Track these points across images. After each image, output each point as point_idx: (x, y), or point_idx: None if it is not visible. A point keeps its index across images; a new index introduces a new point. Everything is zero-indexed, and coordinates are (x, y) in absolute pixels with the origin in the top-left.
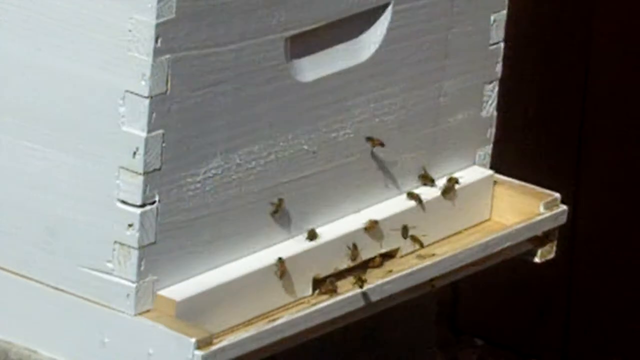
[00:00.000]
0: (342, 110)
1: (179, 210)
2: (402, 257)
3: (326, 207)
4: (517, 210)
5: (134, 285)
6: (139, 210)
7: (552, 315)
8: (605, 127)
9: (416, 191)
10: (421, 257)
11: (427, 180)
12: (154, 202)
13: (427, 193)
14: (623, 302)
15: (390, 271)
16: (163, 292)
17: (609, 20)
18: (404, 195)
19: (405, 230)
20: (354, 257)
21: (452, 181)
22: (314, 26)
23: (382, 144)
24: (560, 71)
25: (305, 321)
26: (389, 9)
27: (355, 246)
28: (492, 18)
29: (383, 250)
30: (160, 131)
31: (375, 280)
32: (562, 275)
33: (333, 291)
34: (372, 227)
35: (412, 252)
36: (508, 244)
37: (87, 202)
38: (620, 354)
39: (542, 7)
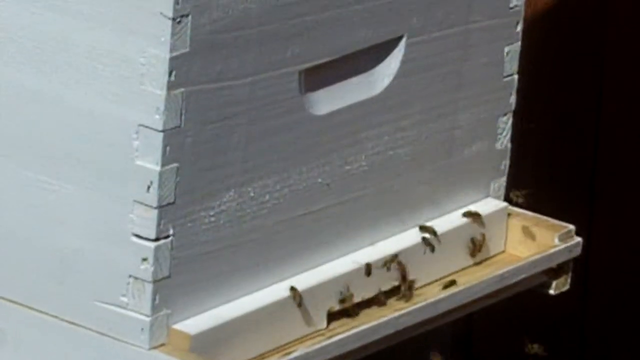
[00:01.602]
0: (356, 143)
1: (193, 244)
2: (416, 289)
3: (341, 240)
4: (532, 242)
5: (149, 319)
6: (153, 244)
7: (566, 346)
8: (619, 159)
9: (429, 224)
10: (437, 290)
11: (427, 231)
12: (168, 236)
13: (441, 225)
14: (637, 334)
15: (406, 304)
16: (177, 326)
17: (621, 51)
18: (418, 228)
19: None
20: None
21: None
22: (327, 59)
23: None
24: (573, 102)
25: (320, 354)
26: (403, 42)
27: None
28: (505, 50)
29: (397, 283)
30: (175, 165)
31: (390, 313)
32: (576, 307)
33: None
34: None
35: (426, 285)
36: (522, 276)
37: (101, 236)
38: None
39: (554, 40)
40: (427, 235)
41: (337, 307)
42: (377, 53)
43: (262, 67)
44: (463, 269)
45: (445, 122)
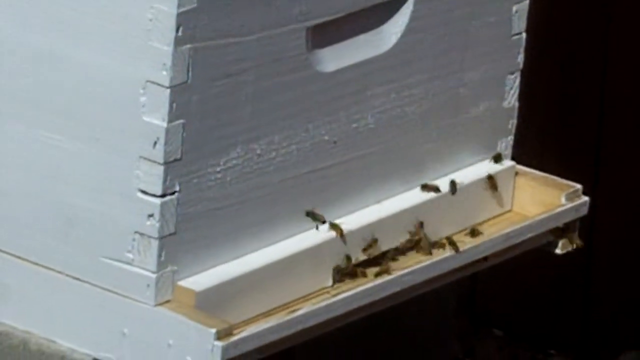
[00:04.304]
0: (362, 100)
1: (199, 201)
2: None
3: (347, 198)
4: (539, 201)
5: (154, 275)
6: (159, 201)
7: (571, 306)
8: (626, 118)
9: (434, 182)
10: (442, 249)
11: (430, 189)
12: (174, 192)
13: (447, 185)
14: None
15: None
16: (183, 283)
17: (628, 11)
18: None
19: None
20: (368, 248)
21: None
22: (335, 16)
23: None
24: (579, 62)
25: (325, 312)
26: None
27: (374, 240)
28: (514, 8)
29: (403, 240)
30: (181, 121)
31: (396, 271)
32: (581, 267)
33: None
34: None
35: (434, 243)
36: (529, 235)
37: (108, 193)
38: (637, 346)
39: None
40: (431, 192)
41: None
42: (385, 10)
43: (269, 23)
44: (470, 227)
45: (452, 80)
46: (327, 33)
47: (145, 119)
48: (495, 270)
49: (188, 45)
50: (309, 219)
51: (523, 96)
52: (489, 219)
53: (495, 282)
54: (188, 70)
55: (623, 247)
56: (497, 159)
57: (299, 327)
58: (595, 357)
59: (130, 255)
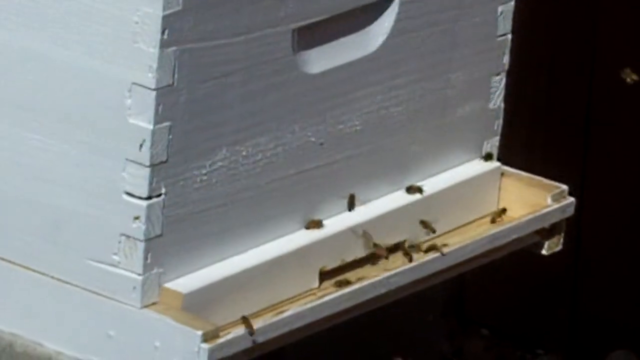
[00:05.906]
0: (349, 102)
1: (186, 203)
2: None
3: (333, 199)
4: (525, 202)
5: (140, 277)
6: (145, 203)
7: (558, 305)
8: (612, 118)
9: (420, 183)
10: (428, 250)
11: (414, 191)
12: (160, 195)
13: (433, 186)
14: (629, 294)
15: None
16: (169, 285)
17: (613, 6)
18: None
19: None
20: (367, 244)
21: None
22: (321, 18)
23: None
24: (567, 61)
25: (312, 313)
26: (397, 1)
27: (365, 233)
28: (499, 9)
29: (390, 243)
30: (167, 123)
31: (382, 273)
32: (569, 266)
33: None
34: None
35: (419, 245)
36: (515, 236)
37: (94, 195)
38: (625, 346)
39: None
40: (416, 194)
41: (329, 266)
42: (371, 12)
43: (255, 25)
44: (455, 228)
45: (438, 81)
46: (313, 35)
47: (131, 121)
48: (483, 271)
49: (174, 48)
50: (295, 220)
51: (510, 95)
52: (474, 220)
53: (483, 282)
54: (174, 73)
55: (611, 246)
56: (488, 157)
57: (286, 329)
58: (583, 357)
59: (117, 258)
